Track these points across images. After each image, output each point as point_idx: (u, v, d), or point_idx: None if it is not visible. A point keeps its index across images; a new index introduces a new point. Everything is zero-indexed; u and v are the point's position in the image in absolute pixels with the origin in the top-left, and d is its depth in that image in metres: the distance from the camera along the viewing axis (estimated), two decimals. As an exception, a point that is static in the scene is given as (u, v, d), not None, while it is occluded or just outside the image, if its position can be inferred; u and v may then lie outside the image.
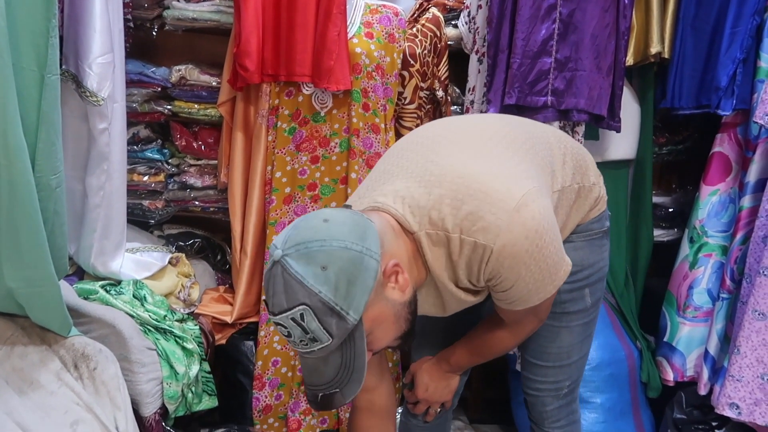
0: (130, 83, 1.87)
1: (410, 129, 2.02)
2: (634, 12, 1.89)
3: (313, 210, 1.93)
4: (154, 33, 2.00)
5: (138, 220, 2.01)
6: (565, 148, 1.22)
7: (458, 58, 2.09)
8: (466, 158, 1.05)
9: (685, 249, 1.95)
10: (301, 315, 0.91)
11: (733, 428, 1.77)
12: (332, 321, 0.91)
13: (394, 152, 1.16)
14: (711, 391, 1.80)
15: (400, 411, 2.07)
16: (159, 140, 2.03)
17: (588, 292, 1.28)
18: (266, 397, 1.91)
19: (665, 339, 1.96)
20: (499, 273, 1.01)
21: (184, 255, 1.96)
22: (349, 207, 1.06)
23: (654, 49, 1.92)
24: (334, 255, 0.91)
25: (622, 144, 2.03)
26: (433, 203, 1.01)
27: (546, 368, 1.33)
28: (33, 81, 1.23)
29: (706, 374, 1.84)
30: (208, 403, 1.78)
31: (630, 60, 1.94)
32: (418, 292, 1.06)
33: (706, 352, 1.86)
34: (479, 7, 1.95)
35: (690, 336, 1.92)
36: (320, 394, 0.99)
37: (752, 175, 1.79)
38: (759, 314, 1.66)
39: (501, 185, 1.00)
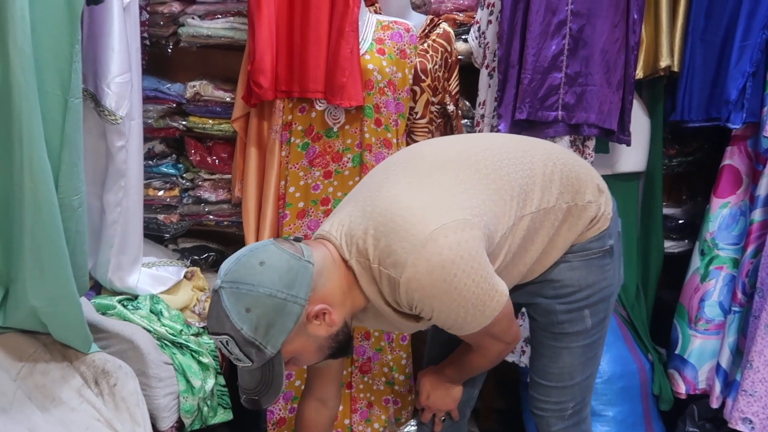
0: (145, 99, 1.90)
1: (422, 143, 2.04)
2: (643, 26, 1.90)
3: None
4: (169, 50, 2.03)
5: (153, 234, 2.03)
6: (554, 167, 1.23)
7: (469, 72, 2.11)
8: (400, 189, 1.14)
9: (696, 261, 1.96)
10: (227, 341, 1.07)
11: None
12: (252, 350, 1.07)
13: (367, 175, 1.29)
14: (723, 405, 1.81)
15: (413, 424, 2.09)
16: (174, 155, 2.06)
17: (588, 313, 1.27)
18: (280, 411, 1.92)
19: (677, 351, 1.97)
20: (414, 304, 1.10)
21: (198, 269, 1.99)
22: (299, 239, 1.17)
23: (663, 62, 1.93)
24: (259, 300, 1.05)
25: (632, 156, 2.04)
26: (361, 233, 1.12)
27: (549, 388, 1.33)
28: (57, 105, 1.26)
29: (718, 387, 1.84)
30: (223, 416, 1.80)
31: (640, 74, 1.95)
32: (364, 314, 1.19)
33: (718, 365, 1.86)
34: (489, 22, 1.97)
35: (702, 349, 1.92)
36: (245, 396, 1.17)
37: (763, 188, 1.80)
38: None
39: (418, 220, 1.08)
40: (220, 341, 1.08)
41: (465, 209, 1.10)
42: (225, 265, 1.10)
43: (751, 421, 1.68)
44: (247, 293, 1.05)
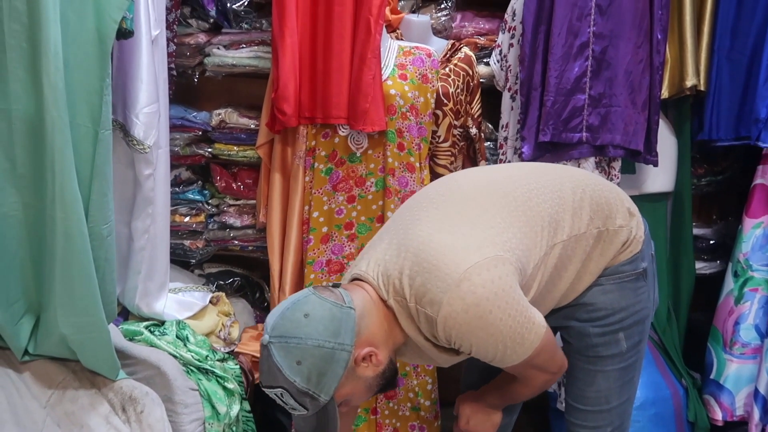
0: (172, 128, 1.94)
1: (444, 166, 2.04)
2: (667, 45, 1.89)
3: (350, 248, 1.95)
4: (195, 79, 2.08)
5: (179, 259, 2.06)
6: (583, 194, 1.24)
7: (491, 95, 2.11)
8: (433, 227, 1.17)
9: (730, 283, 1.91)
10: (281, 393, 1.12)
11: None
12: (306, 400, 1.11)
13: (398, 211, 1.31)
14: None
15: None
16: (199, 181, 2.09)
17: (623, 336, 1.27)
18: (305, 437, 1.91)
19: (712, 376, 1.91)
20: (452, 341, 1.12)
21: (224, 294, 2.00)
22: (337, 285, 1.21)
23: (689, 82, 1.91)
24: (308, 352, 1.09)
25: (660, 177, 2.01)
26: (396, 273, 1.15)
27: (585, 412, 1.32)
28: (87, 137, 1.30)
29: (757, 414, 1.78)
30: (249, 442, 1.80)
31: (665, 93, 1.93)
32: (404, 349, 1.21)
33: (756, 390, 1.80)
34: (510, 45, 1.97)
35: (738, 373, 1.86)
36: None
37: (797, 208, 1.76)
38: None
39: (451, 259, 1.11)
40: (275, 393, 1.12)
41: (496, 244, 1.12)
42: (270, 319, 1.14)
43: None
44: (296, 346, 1.08)
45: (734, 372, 1.86)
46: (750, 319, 1.86)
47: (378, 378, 1.16)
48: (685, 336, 2.06)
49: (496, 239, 1.13)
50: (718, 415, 1.88)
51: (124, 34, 1.45)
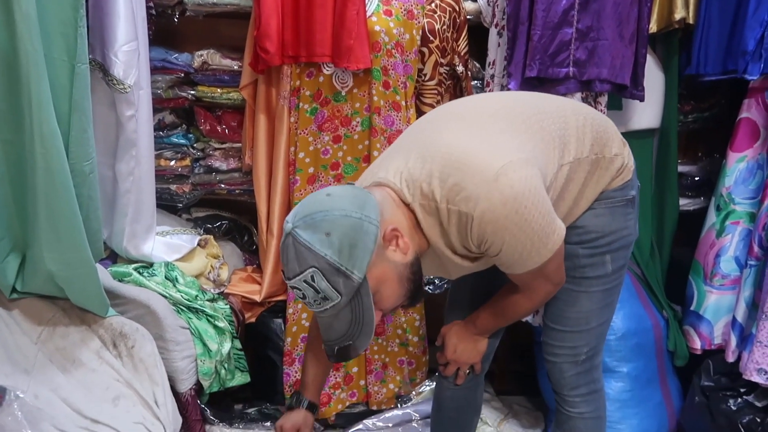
0: (153, 70, 1.90)
1: (431, 105, 2.02)
2: (658, -23, 1.85)
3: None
4: (175, 19, 2.02)
5: (166, 204, 2.06)
6: (585, 120, 1.26)
7: (478, 32, 2.07)
8: (460, 135, 1.15)
9: (712, 217, 1.93)
10: (312, 276, 1.03)
11: (761, 394, 1.77)
12: (339, 280, 1.03)
13: (406, 132, 1.28)
14: (739, 359, 1.80)
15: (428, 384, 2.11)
16: (184, 125, 2.06)
17: (609, 259, 1.29)
18: (296, 373, 1.96)
19: (692, 308, 1.95)
20: (485, 238, 1.10)
21: (212, 237, 2.01)
22: (352, 184, 1.16)
23: (678, 14, 1.88)
24: (336, 222, 1.03)
25: (646, 113, 2.00)
26: (425, 176, 1.11)
27: (564, 333, 1.35)
28: (64, 70, 1.27)
29: (734, 341, 1.83)
30: (241, 378, 1.84)
31: (653, 27, 1.90)
32: (421, 258, 1.16)
33: (734, 319, 1.85)
34: (496, -20, 1.93)
35: (717, 304, 1.90)
36: (336, 347, 1.11)
37: (780, 141, 1.76)
38: None
39: (484, 158, 1.10)
40: (305, 280, 1.03)
41: (522, 151, 1.13)
42: (292, 213, 1.08)
43: (766, 372, 1.67)
44: (323, 219, 1.03)
45: (713, 303, 1.91)
46: (730, 251, 1.89)
47: (407, 269, 1.10)
48: (667, 270, 2.10)
49: (521, 147, 1.13)
50: (697, 344, 1.94)
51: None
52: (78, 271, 1.37)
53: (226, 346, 1.73)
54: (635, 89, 1.88)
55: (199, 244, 1.94)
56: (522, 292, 1.26)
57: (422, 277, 1.15)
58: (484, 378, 1.54)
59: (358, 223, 1.04)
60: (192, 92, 2.03)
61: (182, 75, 2.02)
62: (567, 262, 1.25)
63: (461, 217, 1.09)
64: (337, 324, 1.08)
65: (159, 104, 2.00)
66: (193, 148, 2.07)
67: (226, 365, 1.75)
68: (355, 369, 1.98)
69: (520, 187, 1.07)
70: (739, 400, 1.77)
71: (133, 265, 1.77)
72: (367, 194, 1.09)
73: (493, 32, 1.98)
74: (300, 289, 1.05)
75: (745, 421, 1.73)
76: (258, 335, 1.99)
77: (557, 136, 1.20)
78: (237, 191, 2.11)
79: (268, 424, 1.80)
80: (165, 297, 1.67)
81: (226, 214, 2.15)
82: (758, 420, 1.73)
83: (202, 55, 2.00)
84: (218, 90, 2.04)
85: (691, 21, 1.89)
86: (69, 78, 1.28)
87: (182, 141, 2.05)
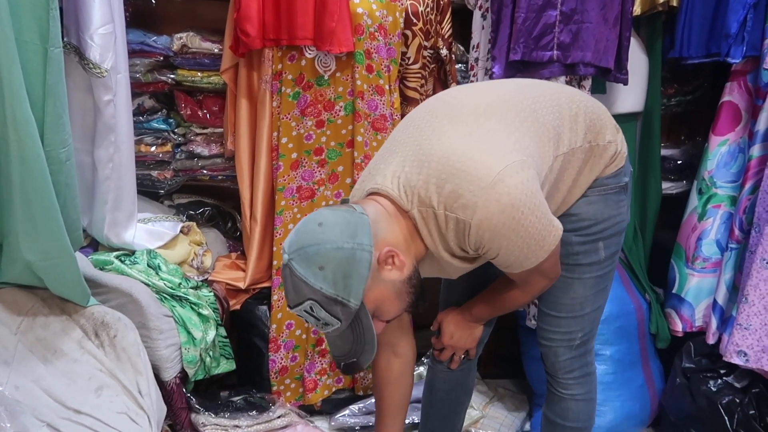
0: (132, 53, 1.86)
1: (414, 89, 2.01)
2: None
3: (320, 174, 1.94)
4: (153, 1, 1.98)
5: (148, 190, 2.02)
6: (578, 109, 1.25)
7: (462, 15, 2.05)
8: (454, 137, 1.15)
9: (694, 201, 1.95)
10: (311, 307, 1.07)
11: (740, 375, 1.80)
12: (337, 309, 1.07)
13: (400, 127, 1.26)
14: (719, 341, 1.83)
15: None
16: (164, 110, 2.02)
17: (602, 246, 1.30)
18: (282, 359, 1.95)
19: (674, 291, 1.98)
20: (482, 244, 1.11)
21: (195, 224, 1.98)
22: (346, 201, 1.18)
23: (663, -3, 1.87)
24: (329, 256, 1.06)
25: (630, 97, 2.01)
26: (422, 183, 1.12)
27: (559, 318, 1.37)
28: (36, 54, 1.23)
29: (714, 324, 1.86)
30: (226, 366, 1.83)
31: (637, 10, 1.90)
32: (420, 263, 1.18)
33: (715, 302, 1.87)
34: (481, -38, 1.90)
35: (699, 287, 1.93)
36: (342, 363, 1.17)
37: (762, 123, 1.77)
38: (763, 264, 1.66)
39: (481, 164, 1.09)
40: (304, 310, 1.08)
41: (518, 150, 1.12)
42: (287, 241, 1.11)
43: (745, 354, 1.70)
44: (315, 253, 1.06)
45: (695, 286, 1.93)
46: (712, 235, 1.91)
47: (406, 284, 1.13)
48: (650, 254, 2.12)
49: (517, 146, 1.13)
50: (679, 327, 1.96)
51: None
52: (56, 260, 1.34)
53: (211, 334, 1.72)
54: (619, 73, 1.88)
55: (181, 231, 1.91)
56: (518, 287, 1.27)
57: (422, 286, 1.17)
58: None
59: (350, 253, 1.06)
60: (172, 76, 1.99)
61: (161, 58, 1.97)
62: (561, 249, 1.25)
63: (458, 223, 1.10)
64: (340, 343, 1.14)
65: (138, 89, 1.95)
66: (174, 133, 2.03)
67: (211, 353, 1.74)
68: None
69: (517, 193, 1.07)
70: (719, 381, 1.80)
71: (115, 253, 1.75)
72: (360, 217, 1.09)
73: (477, 15, 1.96)
74: (302, 317, 1.10)
75: (724, 401, 1.76)
76: (243, 322, 1.98)
77: (551, 127, 1.20)
78: (219, 177, 2.08)
79: (254, 412, 1.80)
80: (148, 285, 1.65)
81: (209, 201, 2.12)
82: (737, 401, 1.76)
83: (181, 38, 1.96)
84: (198, 74, 2.00)
85: (674, 3, 1.89)
86: (42, 62, 1.24)
87: (163, 126, 2.01)
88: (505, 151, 1.11)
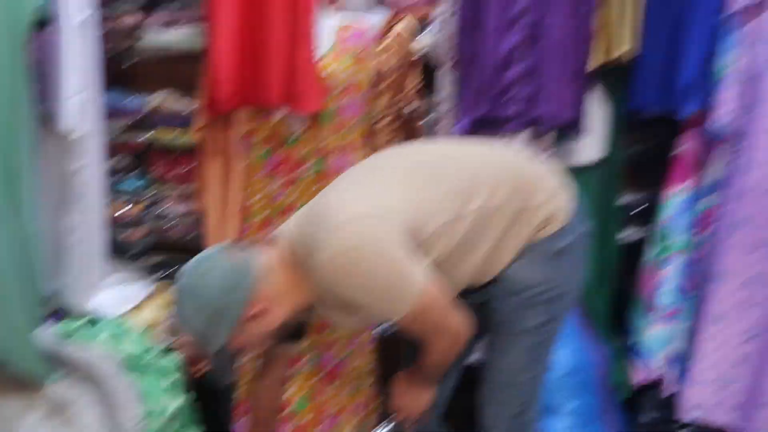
0: (106, 115, 1.88)
1: (384, 145, 2.05)
2: (598, 14, 1.90)
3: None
4: (128, 63, 2.01)
5: (118, 252, 2.02)
6: (506, 172, 1.27)
7: (429, 71, 2.10)
8: (341, 192, 1.25)
9: (652, 249, 1.97)
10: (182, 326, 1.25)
11: (697, 429, 1.80)
12: (199, 342, 1.22)
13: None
14: (677, 393, 1.82)
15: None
16: (137, 170, 2.04)
17: (537, 312, 1.27)
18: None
19: (634, 340, 1.97)
20: (329, 288, 1.16)
21: (166, 284, 1.98)
22: (250, 244, 1.28)
23: (617, 51, 1.93)
24: (204, 304, 1.17)
25: (590, 147, 2.05)
26: (298, 234, 1.23)
27: (493, 383, 1.36)
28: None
29: (671, 375, 1.85)
30: (193, 432, 1.79)
31: (595, 63, 1.96)
32: (322, 305, 1.25)
33: (673, 352, 1.88)
34: (445, 20, 1.97)
35: (657, 336, 1.93)
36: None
37: (714, 175, 1.82)
38: (715, 318, 1.68)
39: (335, 210, 1.17)
40: (177, 323, 1.26)
41: (386, 200, 1.18)
42: (192, 261, 1.24)
43: (700, 408, 1.70)
44: (193, 295, 1.18)
45: (654, 335, 1.92)
46: (669, 284, 1.91)
47: (270, 334, 1.24)
48: (612, 302, 2.11)
49: (390, 197, 1.18)
50: (639, 377, 1.93)
51: (41, 23, 1.39)
52: (14, 343, 1.32)
53: (175, 403, 1.68)
54: (580, 125, 1.94)
55: (151, 293, 1.91)
56: (428, 346, 1.26)
57: (302, 325, 1.30)
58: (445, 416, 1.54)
59: (223, 307, 1.16)
60: (146, 136, 2.01)
61: (136, 119, 2.00)
62: (494, 314, 1.26)
63: (312, 268, 1.16)
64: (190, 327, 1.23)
65: (112, 150, 1.97)
66: (147, 192, 2.04)
67: (178, 421, 1.70)
68: (306, 418, 1.96)
69: (357, 240, 1.11)
70: (679, 433, 1.79)
71: (80, 321, 1.72)
72: (247, 268, 1.18)
73: (443, 71, 2.02)
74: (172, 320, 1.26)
75: (686, 454, 1.75)
76: (210, 387, 1.94)
77: (460, 189, 1.22)
78: (190, 236, 2.09)
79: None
80: (111, 356, 1.62)
81: (181, 260, 2.12)
82: (698, 453, 1.75)
83: (156, 98, 1.99)
84: (172, 133, 2.03)
85: (629, 57, 1.95)
86: (12, 131, 1.24)
87: (136, 185, 2.03)
88: (369, 200, 1.17)
